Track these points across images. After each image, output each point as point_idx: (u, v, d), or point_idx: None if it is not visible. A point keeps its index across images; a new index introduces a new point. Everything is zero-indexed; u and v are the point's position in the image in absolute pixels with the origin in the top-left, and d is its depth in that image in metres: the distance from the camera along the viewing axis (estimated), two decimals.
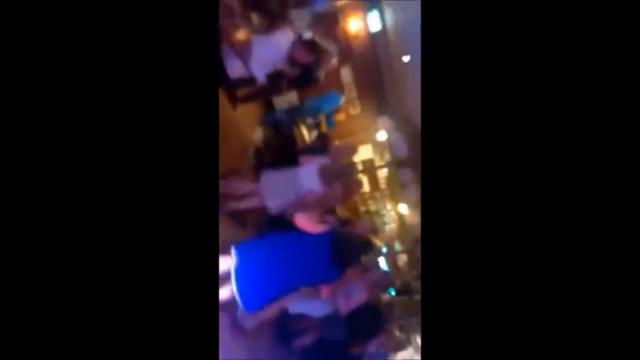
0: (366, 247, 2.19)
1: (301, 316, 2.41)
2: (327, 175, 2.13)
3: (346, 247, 1.94)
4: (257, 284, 1.82)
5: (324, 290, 2.06)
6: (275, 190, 2.11)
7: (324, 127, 3.91)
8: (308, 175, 2.12)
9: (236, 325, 2.08)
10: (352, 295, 2.24)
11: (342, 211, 3.62)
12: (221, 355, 0.83)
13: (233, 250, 1.88)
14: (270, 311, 2.02)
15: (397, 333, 4.13)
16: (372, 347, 3.07)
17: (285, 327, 2.52)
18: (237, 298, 1.81)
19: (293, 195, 2.07)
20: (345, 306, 2.26)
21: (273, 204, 2.10)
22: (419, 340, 4.24)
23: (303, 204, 2.09)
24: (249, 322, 2.08)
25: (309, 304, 2.17)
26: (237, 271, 1.83)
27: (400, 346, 3.87)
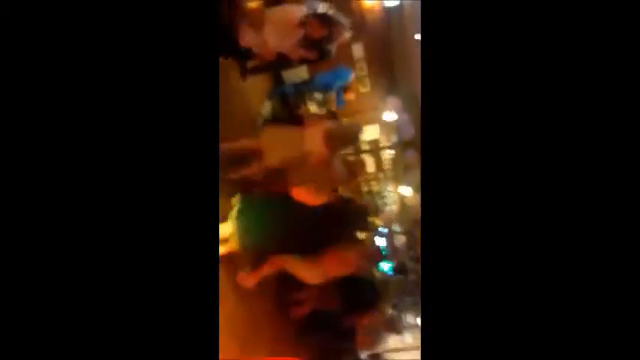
0: (362, 222, 2.24)
1: (299, 286, 2.49)
2: (332, 139, 2.09)
3: (342, 219, 1.99)
4: (257, 230, 1.89)
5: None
6: (276, 145, 2.08)
7: (333, 106, 3.87)
8: (312, 137, 2.10)
9: (236, 286, 2.16)
10: (343, 264, 2.30)
11: (343, 191, 3.66)
12: (221, 316, 0.85)
13: (238, 196, 1.94)
14: (268, 268, 2.09)
15: (390, 311, 4.26)
16: (364, 321, 3.19)
17: (283, 295, 2.61)
18: (237, 236, 1.86)
19: (295, 154, 2.06)
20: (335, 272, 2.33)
21: (273, 160, 2.10)
22: (410, 320, 4.38)
23: (303, 166, 2.08)
24: (249, 281, 2.16)
25: (304, 268, 2.23)
26: (239, 213, 1.89)
27: (392, 323, 4.01)
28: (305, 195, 2.08)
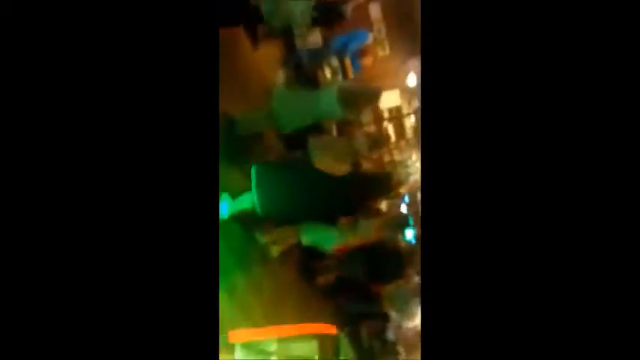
0: (385, 191, 2.20)
1: (322, 254, 2.51)
2: (348, 98, 2.00)
3: (365, 187, 1.96)
4: (275, 197, 1.89)
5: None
6: (291, 111, 2.03)
7: (350, 72, 3.74)
8: (327, 97, 2.00)
9: (262, 255, 2.21)
10: (365, 230, 2.29)
11: (366, 163, 3.60)
12: (247, 284, 0.85)
13: (252, 168, 1.93)
14: (288, 233, 2.11)
15: (416, 279, 4.30)
16: (391, 288, 3.22)
17: (308, 263, 2.65)
18: (255, 202, 1.91)
19: (310, 118, 2.01)
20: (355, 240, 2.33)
21: (288, 127, 2.06)
22: None
23: (320, 130, 2.04)
24: (273, 251, 2.20)
25: (322, 233, 2.24)
26: (257, 183, 1.92)
27: (417, 291, 4.05)
28: (326, 164, 2.05)
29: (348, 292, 2.93)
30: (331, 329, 2.04)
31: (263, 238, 2.20)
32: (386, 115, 4.90)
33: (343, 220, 2.20)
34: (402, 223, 3.21)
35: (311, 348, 1.71)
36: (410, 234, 4.67)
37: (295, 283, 2.60)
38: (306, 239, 2.23)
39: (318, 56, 3.33)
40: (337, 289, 2.82)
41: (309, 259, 2.62)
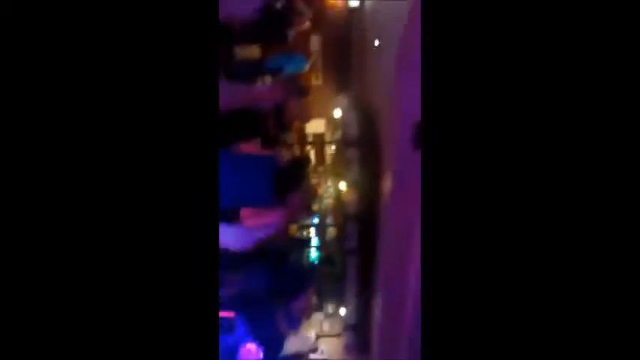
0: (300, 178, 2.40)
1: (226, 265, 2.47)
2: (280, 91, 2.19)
3: (287, 176, 2.10)
4: None
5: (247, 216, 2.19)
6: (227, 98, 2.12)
7: None
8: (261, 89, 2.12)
9: None
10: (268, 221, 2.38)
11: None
12: None
13: None
14: None
15: (314, 298, 4.43)
16: (293, 305, 3.27)
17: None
18: None
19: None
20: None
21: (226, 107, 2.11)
22: (330, 310, 4.59)
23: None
24: None
25: (229, 234, 2.25)
26: None
27: (314, 310, 4.18)
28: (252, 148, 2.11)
29: (250, 308, 2.89)
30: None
31: None
32: (310, 139, 5.14)
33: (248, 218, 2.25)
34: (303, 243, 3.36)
35: None
36: (314, 254, 4.85)
37: None
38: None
39: (254, 70, 3.40)
40: (240, 304, 2.78)
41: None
